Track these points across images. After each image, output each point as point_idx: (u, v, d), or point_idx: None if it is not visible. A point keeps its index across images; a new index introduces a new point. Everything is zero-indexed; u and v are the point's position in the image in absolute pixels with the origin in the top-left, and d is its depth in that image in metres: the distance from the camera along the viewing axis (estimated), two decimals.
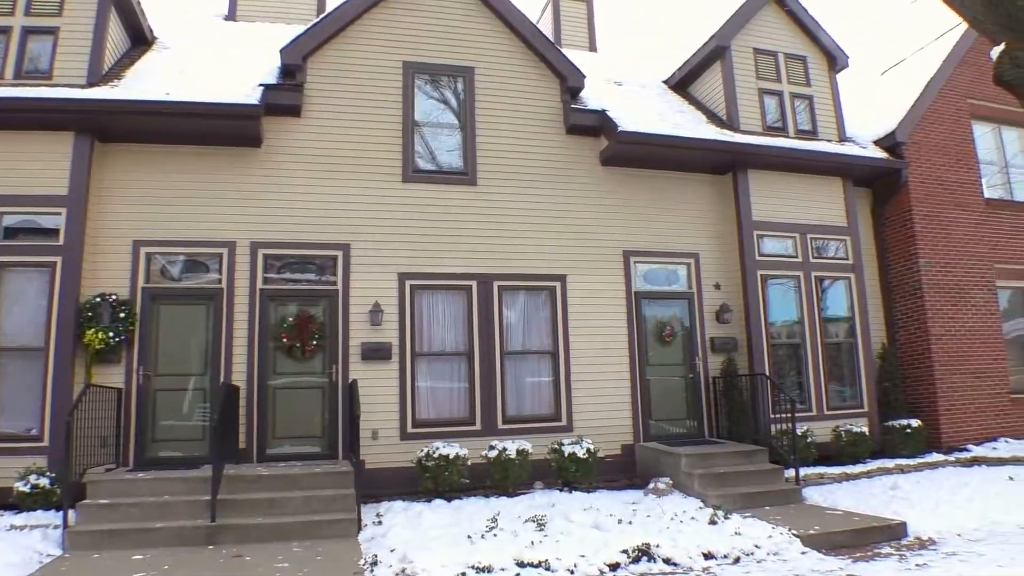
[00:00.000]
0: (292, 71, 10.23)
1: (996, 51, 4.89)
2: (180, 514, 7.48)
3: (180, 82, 9.86)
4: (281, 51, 10.15)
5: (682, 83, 13.46)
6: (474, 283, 10.42)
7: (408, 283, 10.15)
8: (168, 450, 9.11)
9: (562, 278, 10.80)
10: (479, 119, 10.94)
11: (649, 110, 11.97)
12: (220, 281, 9.61)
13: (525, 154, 11.06)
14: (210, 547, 7.09)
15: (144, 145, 9.67)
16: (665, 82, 13.74)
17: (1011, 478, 10.25)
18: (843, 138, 12.80)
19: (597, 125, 11.22)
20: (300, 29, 10.87)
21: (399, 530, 7.54)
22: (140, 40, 11.18)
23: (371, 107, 10.54)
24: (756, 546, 7.20)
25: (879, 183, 13.24)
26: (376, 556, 6.68)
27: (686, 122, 11.82)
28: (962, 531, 7.96)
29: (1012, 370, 13.10)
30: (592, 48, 15.87)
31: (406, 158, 10.52)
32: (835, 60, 13.06)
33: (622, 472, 10.44)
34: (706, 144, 11.28)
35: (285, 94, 10.05)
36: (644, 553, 6.85)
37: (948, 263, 12.94)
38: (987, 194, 13.69)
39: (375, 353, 9.82)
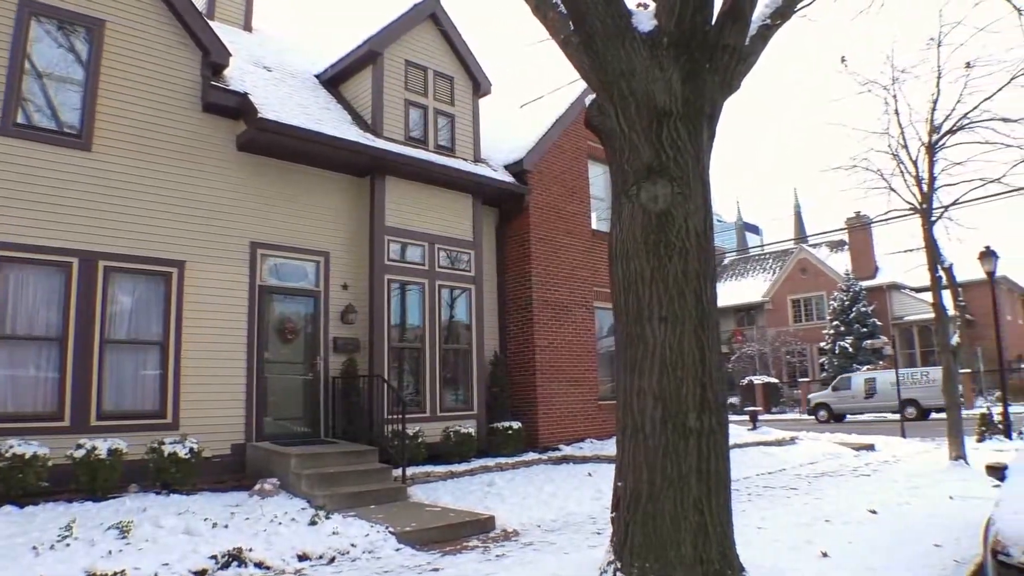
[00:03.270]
0: None
1: (589, 99, 6.22)
2: None
3: None
4: None
5: (333, 80, 13.82)
6: (76, 261, 9.62)
7: None
8: None
9: (181, 264, 10.48)
10: (104, 79, 10.14)
11: (295, 101, 12.07)
12: None
13: (153, 126, 10.50)
14: None
15: None
16: (317, 76, 13.97)
17: (590, 474, 12.11)
18: (478, 159, 14.24)
19: (237, 107, 11.07)
20: None
21: None
22: None
23: None
24: (352, 545, 7.59)
25: (505, 204, 14.96)
26: None
27: (331, 119, 12.16)
28: (542, 522, 9.19)
29: (602, 380, 15.57)
30: (247, 27, 15.49)
31: (7, 109, 9.33)
32: (479, 85, 14.49)
33: (232, 473, 10.37)
34: (347, 145, 11.72)
35: None
36: (235, 558, 6.85)
37: (556, 283, 15.07)
38: (594, 226, 16.19)
39: None
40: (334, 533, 7.88)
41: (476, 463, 12.24)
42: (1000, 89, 13.54)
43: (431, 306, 13.02)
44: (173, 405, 10.25)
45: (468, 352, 13.58)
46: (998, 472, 6.21)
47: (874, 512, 8.89)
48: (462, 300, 13.69)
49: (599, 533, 8.21)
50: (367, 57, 13.16)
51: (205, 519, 7.99)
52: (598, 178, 16.74)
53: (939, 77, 14.13)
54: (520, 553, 7.54)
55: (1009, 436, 18.35)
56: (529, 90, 18.22)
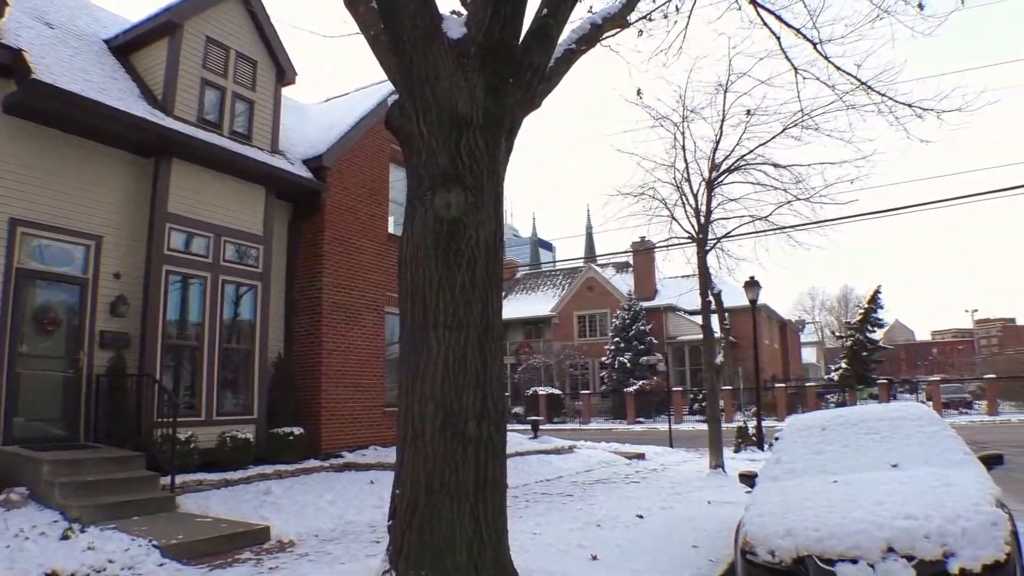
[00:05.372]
0: None
1: (393, 99, 6.27)
2: None
3: None
4: None
5: (124, 48, 12.96)
6: None
7: None
8: None
9: None
10: None
11: (77, 66, 11.33)
12: None
13: None
14: None
15: None
16: (107, 42, 13.04)
17: (372, 482, 12.31)
18: (275, 150, 14.01)
19: (8, 64, 10.08)
20: None
21: None
22: None
23: None
24: (110, 561, 7.23)
25: (301, 201, 14.81)
26: None
27: (116, 90, 11.51)
28: (320, 532, 9.27)
29: (389, 387, 15.69)
30: None
31: None
32: (284, 73, 14.28)
33: None
34: (131, 119, 11.13)
35: None
36: None
37: (348, 286, 15.15)
38: (391, 230, 16.43)
39: None
40: (89, 548, 7.50)
41: (253, 470, 12.01)
42: (773, 137, 15.58)
43: (213, 302, 12.61)
44: None
45: (250, 353, 13.28)
46: (749, 480, 7.20)
47: (641, 516, 9.88)
48: (247, 298, 13.37)
49: (378, 542, 8.33)
50: (165, 27, 12.52)
51: None
52: (399, 182, 16.97)
53: (723, 120, 15.97)
54: (294, 564, 7.59)
55: (761, 447, 20.84)
56: (337, 84, 18.09)
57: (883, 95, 10.54)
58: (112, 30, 13.47)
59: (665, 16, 9.06)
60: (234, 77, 13.49)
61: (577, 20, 6.92)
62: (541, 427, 25.77)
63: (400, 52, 5.45)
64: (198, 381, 12.31)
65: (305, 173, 14.44)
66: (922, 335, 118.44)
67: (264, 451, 12.84)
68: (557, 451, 18.99)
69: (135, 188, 12.00)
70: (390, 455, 14.10)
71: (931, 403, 32.94)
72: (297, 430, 13.39)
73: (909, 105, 10.55)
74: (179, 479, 10.39)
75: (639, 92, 15.93)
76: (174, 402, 10.89)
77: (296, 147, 15.12)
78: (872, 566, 4.67)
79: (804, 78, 10.80)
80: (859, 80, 10.34)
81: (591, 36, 6.90)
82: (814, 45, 9.52)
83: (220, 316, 12.73)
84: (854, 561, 4.74)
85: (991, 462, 6.41)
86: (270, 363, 13.81)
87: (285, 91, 14.89)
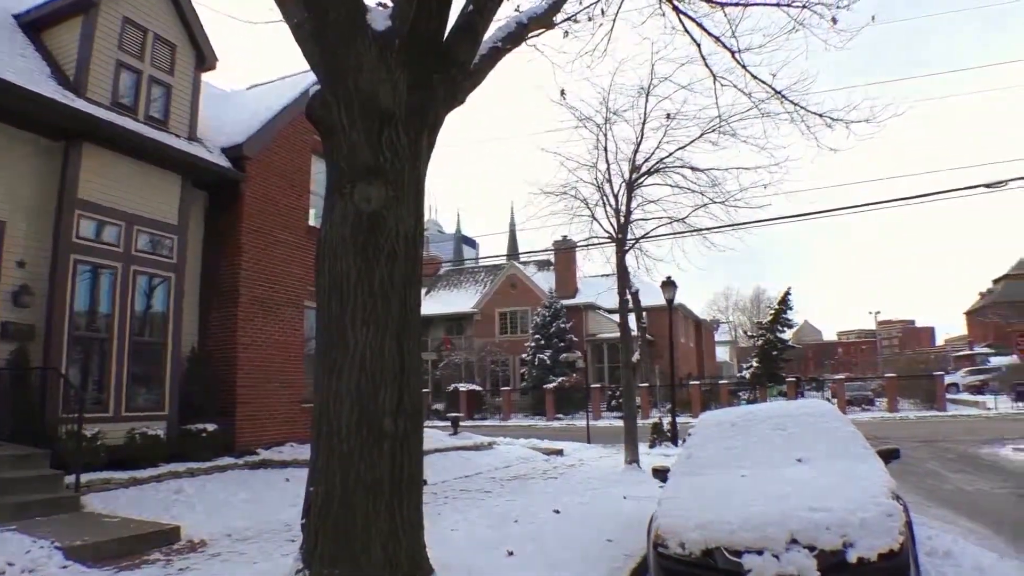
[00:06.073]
0: None
1: (314, 90, 6.12)
2: None
3: None
4: None
5: (36, 24, 12.41)
6: None
7: None
8: None
9: None
10: None
11: None
12: None
13: None
14: None
15: None
16: (16, 17, 12.45)
17: (288, 479, 12.16)
18: (193, 137, 13.63)
19: None
20: None
21: None
22: None
23: None
24: (9, 564, 6.94)
25: (219, 190, 14.43)
26: None
27: (24, 69, 11.01)
28: (233, 531, 9.14)
29: (307, 382, 15.30)
30: None
31: None
32: (204, 58, 13.91)
33: None
34: (41, 101, 10.67)
35: None
36: None
37: (266, 279, 14.89)
38: (312, 222, 16.17)
39: None
40: None
41: (164, 468, 11.66)
42: (692, 141, 16.00)
43: (124, 293, 12.16)
44: None
45: (163, 346, 12.88)
46: (662, 474, 7.40)
47: (558, 512, 10.04)
48: (161, 289, 12.96)
49: (293, 541, 8.13)
50: (79, 4, 12.01)
51: None
52: (320, 174, 16.72)
53: (644, 123, 16.30)
54: (206, 565, 7.49)
55: (676, 443, 21.35)
56: (261, 72, 17.70)
57: (796, 104, 10.96)
58: (23, 4, 12.84)
59: (590, 19, 9.20)
60: (151, 60, 13.05)
61: (503, 18, 6.97)
62: (462, 423, 25.85)
63: (323, 42, 5.36)
64: (107, 375, 11.87)
65: (224, 162, 14.08)
66: (829, 335, 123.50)
67: (176, 448, 12.47)
68: (476, 447, 19.10)
69: (43, 173, 11.47)
70: (307, 452, 13.50)
71: (836, 400, 34.42)
72: (211, 426, 13.08)
73: (820, 115, 11.01)
74: (85, 478, 9.99)
75: (563, 93, 16.06)
76: (80, 397, 10.50)
77: (216, 135, 14.72)
78: (777, 556, 4.88)
79: (722, 85, 11.13)
80: (774, 89, 10.72)
81: (517, 35, 6.94)
82: (732, 53, 9.82)
83: (131, 308, 12.28)
84: (760, 552, 4.95)
85: (889, 456, 6.78)
86: (184, 357, 13.44)
87: (206, 77, 14.52)
